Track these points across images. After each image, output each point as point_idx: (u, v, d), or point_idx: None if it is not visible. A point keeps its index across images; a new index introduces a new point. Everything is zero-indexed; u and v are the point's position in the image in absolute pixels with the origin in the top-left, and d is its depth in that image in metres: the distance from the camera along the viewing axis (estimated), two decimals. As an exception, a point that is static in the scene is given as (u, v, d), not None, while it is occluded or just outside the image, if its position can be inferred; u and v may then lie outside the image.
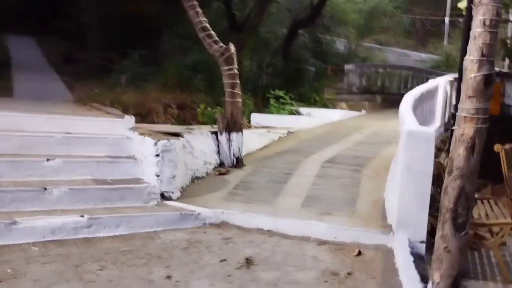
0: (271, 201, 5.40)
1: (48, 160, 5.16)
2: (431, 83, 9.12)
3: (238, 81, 6.82)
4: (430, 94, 9.04)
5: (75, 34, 18.06)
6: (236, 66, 6.79)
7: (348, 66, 15.03)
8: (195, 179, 6.09)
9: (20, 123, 5.80)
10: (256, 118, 10.60)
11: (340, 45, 25.87)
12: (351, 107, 12.32)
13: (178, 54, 13.99)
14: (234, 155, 6.79)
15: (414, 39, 31.75)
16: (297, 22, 15.67)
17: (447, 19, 25.63)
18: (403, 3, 29.44)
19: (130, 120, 6.38)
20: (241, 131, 6.87)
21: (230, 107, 6.78)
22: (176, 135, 6.04)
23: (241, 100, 6.91)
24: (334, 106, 12.40)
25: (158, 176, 5.27)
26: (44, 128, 5.88)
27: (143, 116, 10.83)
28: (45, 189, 4.64)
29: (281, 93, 11.40)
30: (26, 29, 22.33)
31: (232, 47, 6.76)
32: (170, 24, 15.85)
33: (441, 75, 16.75)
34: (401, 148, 4.82)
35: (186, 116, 11.55)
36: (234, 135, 6.79)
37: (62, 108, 8.59)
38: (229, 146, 6.77)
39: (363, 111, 12.22)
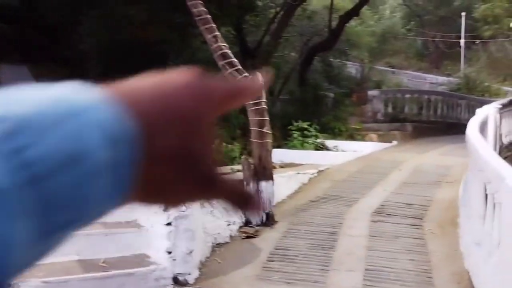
0: (321, 281, 3.93)
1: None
2: (482, 113, 7.66)
3: (267, 118, 5.43)
4: (482, 126, 7.58)
5: (73, 61, 16.95)
6: (264, 100, 5.41)
7: (372, 92, 13.65)
8: (216, 246, 4.64)
9: None
10: (278, 154, 9.12)
11: (352, 69, 24.65)
12: (380, 138, 10.90)
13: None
14: (263, 210, 5.34)
15: (427, 61, 30.45)
16: (314, 47, 14.38)
17: (462, 42, 24.32)
18: (415, 25, 28.27)
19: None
20: (272, 179, 5.44)
21: (258, 149, 5.37)
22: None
23: (271, 141, 5.50)
24: (362, 137, 10.96)
25: (170, 253, 3.83)
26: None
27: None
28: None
29: (305, 125, 9.99)
30: (21, 57, 21.14)
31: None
32: (177, 49, 14.68)
33: (475, 100, 15.42)
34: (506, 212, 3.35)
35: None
36: (263, 185, 5.36)
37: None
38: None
39: (394, 142, 10.78)
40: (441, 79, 24.77)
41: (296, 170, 7.72)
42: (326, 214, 5.67)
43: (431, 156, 9.28)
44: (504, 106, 8.59)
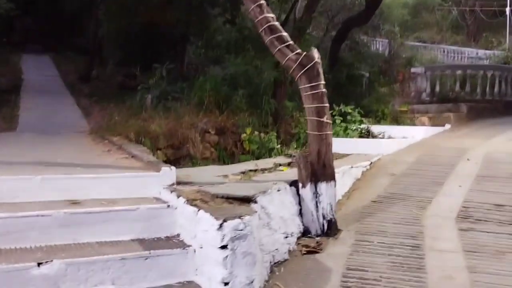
0: (420, 317, 3.17)
1: (39, 264, 3.07)
2: None
3: (327, 105, 4.64)
4: None
5: (92, 50, 16.36)
6: (323, 82, 4.61)
7: (415, 69, 12.69)
8: (275, 266, 3.91)
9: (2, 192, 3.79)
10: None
11: (378, 45, 23.54)
12: (431, 121, 10.03)
13: (208, 67, 11.95)
14: (324, 217, 4.58)
15: (464, 34, 29.09)
16: (349, 22, 13.42)
17: (508, 10, 22.96)
18: (451, -4, 26.96)
19: (169, 173, 4.29)
20: (334, 179, 4.66)
21: (317, 143, 4.59)
22: (245, 200, 3.86)
23: (331, 133, 4.71)
24: (411, 121, 10.09)
25: (226, 284, 3.10)
26: (38, 197, 3.84)
27: (176, 147, 8.79)
28: None
29: (348, 109, 9.16)
30: (44, 47, 21.01)
31: (316, 54, 4.59)
32: (197, 32, 13.87)
33: None
34: None
35: (228, 143, 9.44)
36: (323, 187, 4.58)
37: (71, 149, 6.58)
38: (317, 204, 4.57)
39: (447, 126, 9.90)
40: (482, 52, 23.58)
41: (346, 162, 6.93)
42: (398, 219, 4.88)
43: (500, 142, 8.38)
44: None
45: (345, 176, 6.11)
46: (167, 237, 3.76)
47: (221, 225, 3.17)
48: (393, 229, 4.64)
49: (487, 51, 22.44)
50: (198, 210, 3.49)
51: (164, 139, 8.32)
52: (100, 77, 15.63)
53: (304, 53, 4.57)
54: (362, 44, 19.26)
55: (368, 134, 9.10)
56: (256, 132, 8.86)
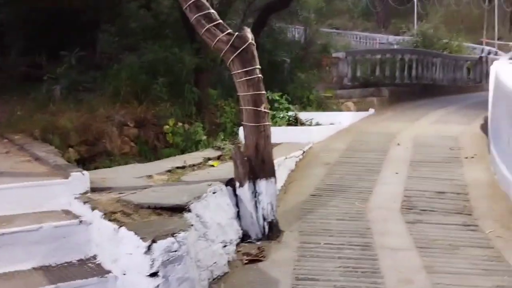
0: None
1: None
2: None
3: (264, 92, 4.07)
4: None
5: None
6: (258, 66, 4.03)
7: (336, 54, 12.54)
8: (213, 283, 3.29)
9: None
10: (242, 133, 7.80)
11: (295, 32, 23.47)
12: (356, 106, 9.88)
13: (123, 55, 10.89)
14: (265, 219, 4.03)
15: (374, 21, 29.97)
16: (268, 8, 12.90)
17: (415, -3, 23.84)
18: (361, -18, 27.51)
19: (81, 179, 3.49)
20: (274, 176, 4.12)
21: (254, 136, 4.01)
22: (177, 209, 3.18)
23: (270, 123, 4.15)
24: (337, 107, 9.85)
25: (158, 321, 2.44)
26: None
27: (90, 143, 7.76)
28: None
29: (276, 96, 8.67)
30: None
31: (249, 35, 3.98)
32: (109, 17, 12.65)
33: (449, 58, 14.58)
34: None
35: (149, 136, 8.55)
36: (263, 185, 4.03)
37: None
38: (256, 204, 4.01)
39: (372, 110, 9.81)
40: (392, 38, 24.31)
41: (279, 152, 6.44)
42: (342, 215, 4.46)
43: (424, 124, 8.37)
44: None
45: (280, 168, 5.60)
46: (80, 260, 3.01)
47: (149, 247, 2.49)
48: (338, 226, 4.21)
49: (397, 37, 23.16)
50: (119, 227, 2.78)
51: (76, 135, 7.30)
52: (2, 68, 13.87)
53: (236, 33, 3.95)
54: (279, 31, 18.97)
55: (296, 122, 8.69)
56: (180, 123, 8.09)
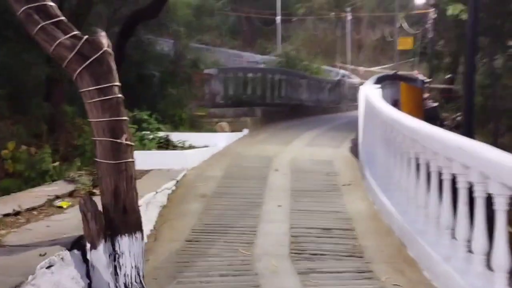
0: None
1: None
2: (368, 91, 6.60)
3: (125, 118, 3.04)
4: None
5: None
6: (117, 83, 2.98)
7: (209, 71, 11.78)
8: None
9: None
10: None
11: (164, 45, 22.44)
12: (231, 126, 9.18)
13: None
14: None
15: (241, 39, 30.13)
16: (135, 16, 11.63)
17: (278, 19, 24.35)
18: (228, 1, 27.45)
19: None
20: (140, 230, 3.09)
21: (113, 178, 2.94)
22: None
23: (134, 160, 3.11)
24: (211, 126, 9.01)
25: None
26: None
27: None
28: None
29: (144, 115, 7.51)
30: None
31: (104, 40, 2.93)
32: None
33: (314, 79, 14.76)
34: None
35: (-21, 166, 6.75)
36: (125, 243, 2.96)
37: None
38: (116, 270, 2.93)
39: (246, 131, 9.21)
40: (259, 57, 24.55)
41: (148, 184, 5.38)
42: (226, 268, 3.58)
43: (298, 147, 7.96)
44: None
45: (149, 207, 4.57)
46: None
47: None
48: (223, 284, 3.33)
49: (264, 56, 23.41)
50: None
51: None
52: None
53: (86, 36, 2.87)
54: (149, 43, 17.73)
55: (167, 144, 7.65)
56: (24, 147, 6.47)
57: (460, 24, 10.86)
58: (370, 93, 6.49)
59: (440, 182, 3.35)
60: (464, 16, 9.33)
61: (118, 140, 2.96)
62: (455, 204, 3.23)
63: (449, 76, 18.05)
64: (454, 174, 3.14)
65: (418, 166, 3.79)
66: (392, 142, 4.56)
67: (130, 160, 3.04)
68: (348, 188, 5.64)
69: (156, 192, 4.91)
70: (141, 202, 4.40)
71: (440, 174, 3.37)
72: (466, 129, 4.68)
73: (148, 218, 4.43)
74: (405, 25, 24.45)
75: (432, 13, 20.97)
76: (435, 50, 20.44)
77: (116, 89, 2.99)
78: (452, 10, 9.72)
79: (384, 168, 5.03)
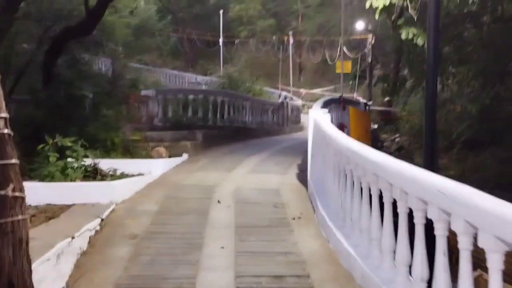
0: None
1: None
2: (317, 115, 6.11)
3: (14, 161, 2.22)
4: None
5: None
6: (4, 114, 2.17)
7: (146, 92, 10.92)
8: None
9: None
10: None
11: (101, 65, 21.31)
12: (169, 151, 8.36)
13: None
14: None
15: (183, 60, 29.45)
16: (66, 33, 10.62)
17: (221, 40, 23.89)
18: (170, 21, 26.75)
19: None
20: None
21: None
22: None
23: (27, 217, 2.28)
24: (147, 152, 8.14)
25: None
26: None
27: None
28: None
29: (68, 142, 6.53)
30: None
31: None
32: None
33: (258, 102, 14.28)
34: None
35: None
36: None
37: None
38: None
39: (185, 155, 8.44)
40: (201, 78, 23.95)
41: (65, 224, 4.48)
42: None
43: (241, 174, 7.29)
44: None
45: (62, 259, 3.67)
46: None
47: None
48: None
49: (205, 77, 22.82)
50: None
51: None
52: None
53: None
54: (84, 62, 16.55)
55: (95, 173, 6.69)
56: None
57: (410, 49, 10.73)
58: (320, 119, 6.00)
59: (412, 226, 2.80)
60: (420, 41, 9.20)
61: (2, 192, 2.14)
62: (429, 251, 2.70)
63: (387, 99, 18.30)
64: (430, 218, 2.60)
65: (382, 205, 3.24)
66: (348, 174, 4.01)
67: (19, 218, 2.22)
68: (298, 222, 5.03)
69: (73, 238, 4.01)
70: (50, 254, 3.54)
71: (410, 215, 2.83)
72: (428, 161, 4.25)
73: (60, 272, 3.55)
74: (344, 49, 24.90)
75: (370, 39, 21.43)
76: (373, 74, 20.81)
77: (1, 123, 2.18)
78: (405, 34, 9.54)
79: (339, 202, 4.48)
